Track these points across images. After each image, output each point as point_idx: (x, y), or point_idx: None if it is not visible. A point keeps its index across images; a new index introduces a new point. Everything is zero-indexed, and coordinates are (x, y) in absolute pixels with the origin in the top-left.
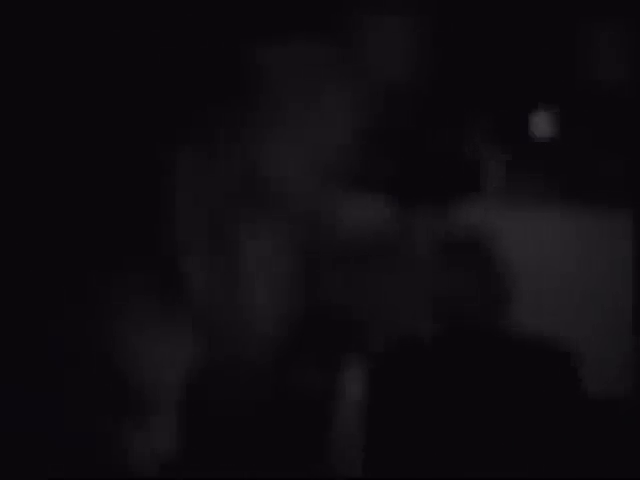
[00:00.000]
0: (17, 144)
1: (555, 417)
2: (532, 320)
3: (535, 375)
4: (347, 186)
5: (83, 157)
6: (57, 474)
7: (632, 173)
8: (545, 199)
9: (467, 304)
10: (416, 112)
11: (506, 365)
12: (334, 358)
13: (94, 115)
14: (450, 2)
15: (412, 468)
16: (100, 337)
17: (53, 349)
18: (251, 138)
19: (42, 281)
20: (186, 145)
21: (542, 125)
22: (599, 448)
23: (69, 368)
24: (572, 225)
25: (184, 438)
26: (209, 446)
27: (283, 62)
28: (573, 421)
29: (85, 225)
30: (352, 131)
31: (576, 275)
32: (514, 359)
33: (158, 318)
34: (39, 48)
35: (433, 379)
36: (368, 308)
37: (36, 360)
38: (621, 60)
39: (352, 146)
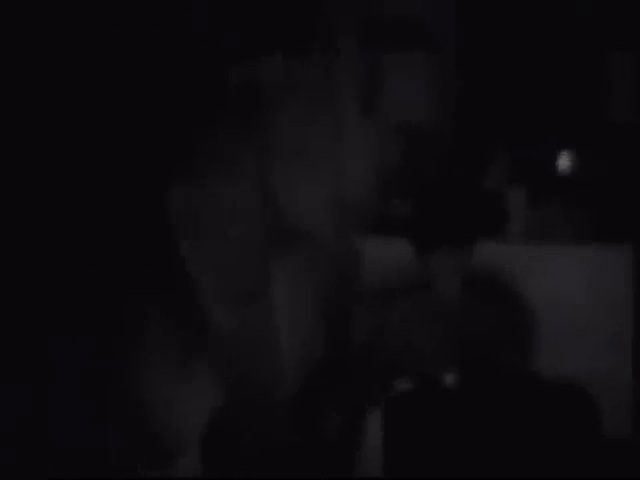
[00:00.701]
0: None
1: (575, 457)
2: (552, 359)
3: (555, 415)
4: (370, 227)
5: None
6: None
7: None
8: (568, 238)
9: (491, 344)
10: (439, 152)
11: (527, 406)
12: (358, 400)
13: (105, 166)
14: (472, 40)
15: None
16: (127, 383)
17: (83, 397)
18: (276, 178)
19: (70, 326)
20: (209, 186)
21: (564, 163)
22: None
23: (97, 413)
24: (594, 263)
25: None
26: None
27: (305, 103)
28: (592, 460)
29: (114, 270)
30: (374, 171)
31: (597, 314)
32: (535, 400)
33: (182, 363)
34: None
35: (453, 420)
36: (394, 348)
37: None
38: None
39: (374, 186)
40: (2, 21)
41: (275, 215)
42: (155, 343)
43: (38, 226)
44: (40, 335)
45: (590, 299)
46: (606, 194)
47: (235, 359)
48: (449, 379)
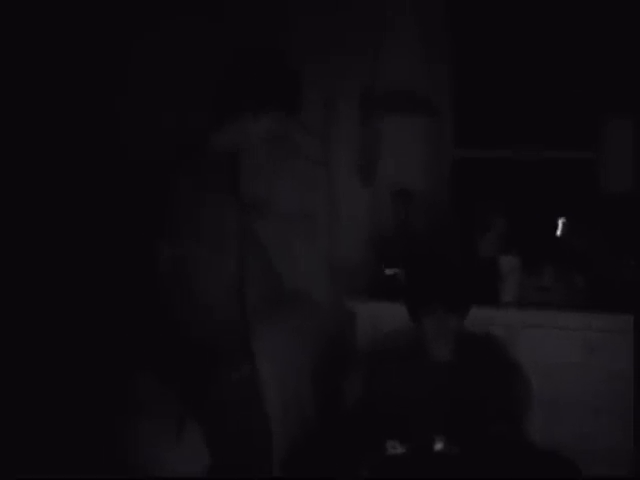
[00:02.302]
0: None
1: None
2: (547, 426)
3: None
4: (364, 291)
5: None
6: None
7: None
8: (561, 306)
9: (482, 410)
10: (435, 217)
11: (515, 473)
12: (348, 463)
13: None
14: (468, 106)
15: None
16: (121, 442)
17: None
18: (272, 242)
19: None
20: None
21: (558, 231)
22: None
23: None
24: (586, 333)
25: None
26: None
27: (302, 167)
28: None
29: (109, 338)
30: (370, 235)
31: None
32: (522, 468)
33: (175, 424)
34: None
35: None
36: (384, 411)
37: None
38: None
39: (369, 250)
40: None
41: (271, 278)
42: (149, 408)
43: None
44: (36, 402)
45: (586, 366)
46: (600, 263)
47: (227, 422)
48: (438, 444)
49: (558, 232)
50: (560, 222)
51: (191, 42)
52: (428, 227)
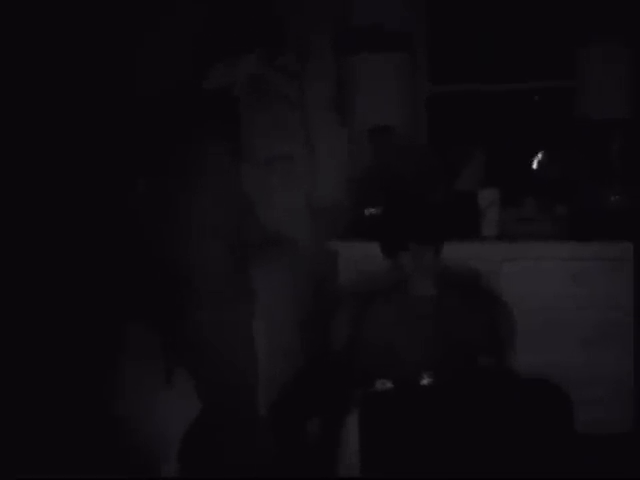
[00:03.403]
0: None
1: (547, 450)
2: (530, 358)
3: (528, 410)
4: (345, 231)
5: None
6: None
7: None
8: (545, 238)
9: (468, 343)
10: (412, 154)
11: (502, 402)
12: (338, 403)
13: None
14: (444, 41)
15: None
16: (110, 396)
17: (68, 410)
18: (252, 186)
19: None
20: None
21: (542, 164)
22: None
23: (84, 426)
24: (572, 263)
25: None
26: None
27: (277, 109)
28: (563, 454)
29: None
30: (347, 175)
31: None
32: (509, 396)
33: (163, 375)
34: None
35: (428, 417)
36: (372, 350)
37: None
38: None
39: (347, 190)
40: None
41: (253, 223)
42: (137, 355)
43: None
44: (25, 351)
45: (571, 296)
46: (581, 192)
47: (215, 367)
48: (426, 379)
49: (534, 164)
50: (538, 154)
51: None
52: (406, 164)
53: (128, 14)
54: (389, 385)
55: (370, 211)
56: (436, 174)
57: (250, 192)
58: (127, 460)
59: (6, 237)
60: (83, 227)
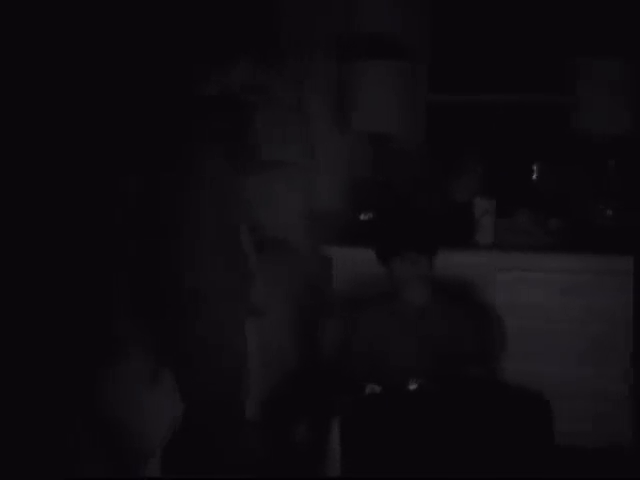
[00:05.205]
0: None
1: (525, 458)
2: (521, 367)
3: (512, 420)
4: (341, 237)
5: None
6: None
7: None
8: (540, 249)
9: (458, 353)
10: (410, 163)
11: (486, 410)
12: (327, 407)
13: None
14: (445, 51)
15: None
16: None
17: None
18: (246, 185)
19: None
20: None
21: (539, 177)
22: None
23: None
24: (567, 275)
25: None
26: None
27: (278, 115)
28: (543, 464)
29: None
30: (345, 181)
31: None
32: (493, 405)
33: (148, 377)
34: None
35: (415, 422)
36: (362, 356)
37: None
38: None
39: (345, 196)
40: None
41: (250, 226)
42: (123, 354)
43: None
44: (12, 347)
45: (568, 307)
46: (576, 206)
47: (204, 366)
48: (413, 384)
49: (534, 176)
50: (535, 166)
51: None
52: (403, 172)
53: (125, 11)
54: (378, 390)
55: (366, 217)
56: (433, 182)
57: (249, 196)
58: (111, 459)
59: None
60: (71, 223)
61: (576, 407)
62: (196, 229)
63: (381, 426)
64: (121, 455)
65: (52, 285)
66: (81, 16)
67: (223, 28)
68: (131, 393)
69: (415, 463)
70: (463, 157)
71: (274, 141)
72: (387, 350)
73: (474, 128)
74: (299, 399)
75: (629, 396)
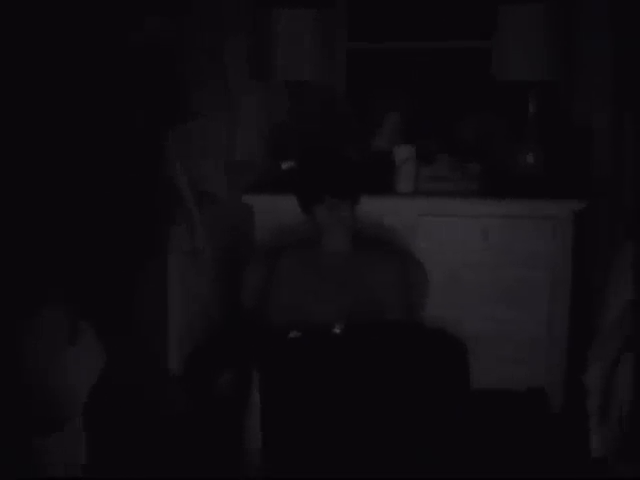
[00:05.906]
0: None
1: (441, 399)
2: (440, 312)
3: (426, 360)
4: (261, 185)
5: None
6: None
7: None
8: (460, 195)
9: (379, 300)
10: (330, 111)
11: (404, 350)
12: (249, 357)
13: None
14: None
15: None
16: (19, 354)
17: None
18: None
19: None
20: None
21: (459, 123)
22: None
23: None
24: (487, 220)
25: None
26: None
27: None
28: (456, 402)
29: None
30: (265, 129)
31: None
32: (411, 346)
33: (69, 334)
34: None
35: (331, 364)
36: (284, 304)
37: None
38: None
39: (265, 145)
40: None
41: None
42: (43, 311)
43: None
44: None
45: (484, 252)
46: (495, 151)
47: (124, 317)
48: (337, 328)
49: (454, 122)
50: (456, 113)
51: None
52: (322, 118)
53: None
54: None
55: (286, 164)
56: (353, 130)
57: (172, 149)
58: (32, 414)
59: None
60: None
61: (496, 350)
62: (120, 180)
63: (299, 370)
64: (43, 410)
65: None
66: None
67: None
68: (51, 345)
69: (333, 406)
70: (383, 105)
71: (193, 92)
72: (308, 297)
73: (395, 76)
74: (223, 351)
75: (547, 338)
